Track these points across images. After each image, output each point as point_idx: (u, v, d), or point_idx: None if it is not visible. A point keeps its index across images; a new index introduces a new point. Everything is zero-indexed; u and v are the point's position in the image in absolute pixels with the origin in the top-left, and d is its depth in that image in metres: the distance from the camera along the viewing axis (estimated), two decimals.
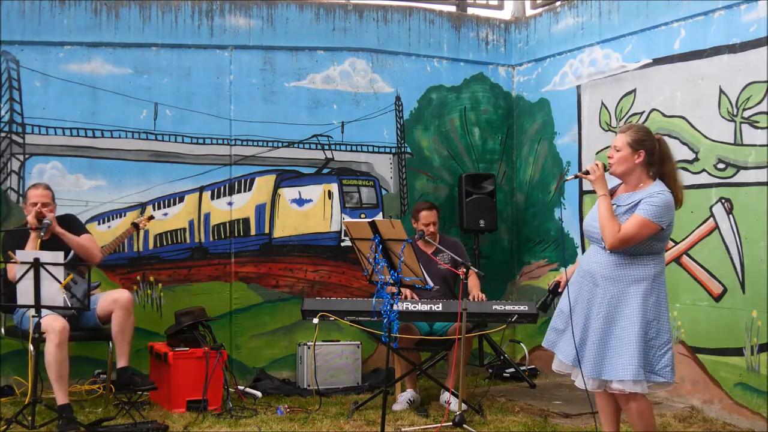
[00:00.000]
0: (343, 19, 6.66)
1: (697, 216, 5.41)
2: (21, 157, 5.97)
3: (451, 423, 4.81)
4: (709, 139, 5.38)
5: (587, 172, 3.93)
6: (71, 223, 5.42)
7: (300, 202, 6.55)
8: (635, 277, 3.81)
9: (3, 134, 5.94)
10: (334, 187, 6.64)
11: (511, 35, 7.27)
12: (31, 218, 5.17)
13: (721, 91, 5.29)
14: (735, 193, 5.20)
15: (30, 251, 4.83)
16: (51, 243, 5.10)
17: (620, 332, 3.79)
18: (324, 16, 6.62)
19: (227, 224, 6.38)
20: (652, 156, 3.90)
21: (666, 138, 5.56)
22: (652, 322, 3.79)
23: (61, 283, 4.55)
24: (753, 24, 5.12)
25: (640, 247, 3.82)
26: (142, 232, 6.10)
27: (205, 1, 6.34)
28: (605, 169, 3.95)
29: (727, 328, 5.20)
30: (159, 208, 6.24)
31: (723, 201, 5.27)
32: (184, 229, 6.31)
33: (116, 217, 6.15)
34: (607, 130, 6.22)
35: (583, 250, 6.42)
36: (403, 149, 6.83)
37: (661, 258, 3.91)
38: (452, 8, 7.24)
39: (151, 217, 5.97)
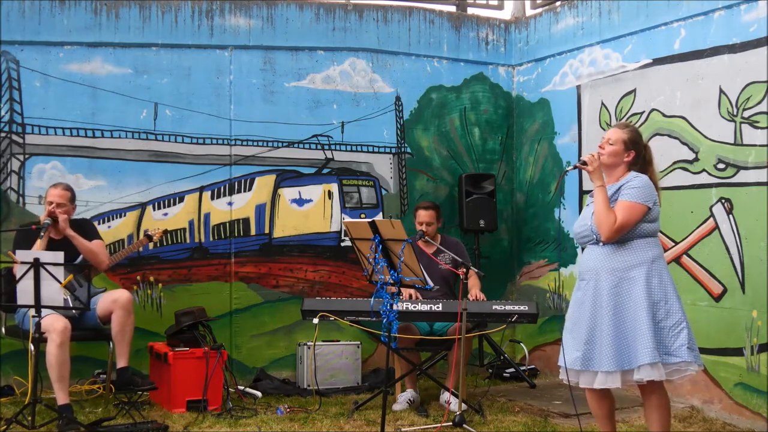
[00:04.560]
0: (343, 19, 6.66)
1: (697, 216, 5.41)
2: (21, 157, 5.96)
3: (451, 423, 4.82)
4: (709, 139, 5.38)
5: (585, 163, 4.00)
6: (85, 228, 5.42)
7: (300, 202, 6.55)
8: (633, 261, 3.85)
9: (3, 134, 5.93)
10: (334, 187, 6.64)
11: (511, 35, 7.27)
12: (43, 217, 5.19)
13: (721, 91, 5.29)
14: (735, 193, 5.20)
15: (31, 251, 4.83)
16: (63, 244, 5.11)
17: (630, 318, 3.80)
18: (324, 16, 6.62)
19: (227, 224, 6.38)
20: (638, 158, 4.03)
21: (666, 138, 5.64)
22: (659, 303, 3.80)
23: (61, 283, 4.55)
24: (753, 24, 5.12)
25: (631, 233, 3.87)
26: (142, 232, 6.09)
27: (205, 1, 6.34)
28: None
29: (727, 328, 5.20)
30: (159, 208, 6.24)
31: (723, 201, 5.27)
32: (184, 229, 6.31)
33: (116, 217, 6.15)
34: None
35: (583, 251, 6.42)
36: (403, 149, 6.83)
37: (656, 241, 3.94)
38: (452, 8, 7.24)
39: (166, 231, 5.96)
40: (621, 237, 3.86)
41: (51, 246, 5.05)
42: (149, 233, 5.86)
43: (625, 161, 3.99)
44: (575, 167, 4.13)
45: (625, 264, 3.85)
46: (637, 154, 4.00)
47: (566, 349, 3.95)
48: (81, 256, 5.28)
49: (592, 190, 4.05)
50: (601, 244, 3.92)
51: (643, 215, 3.86)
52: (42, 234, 5.08)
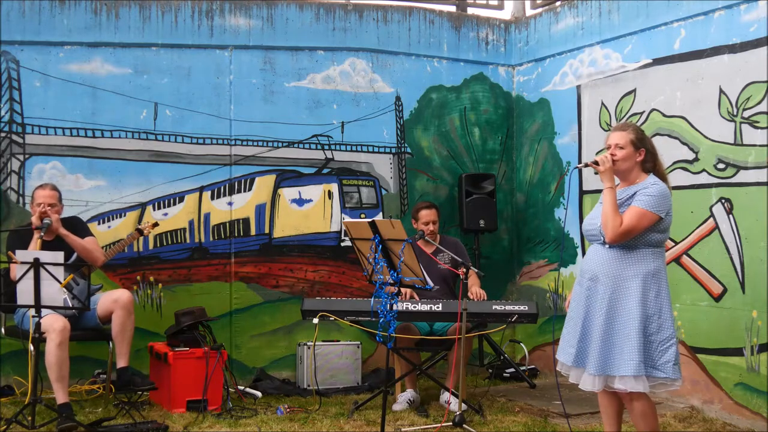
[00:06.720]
0: (343, 19, 6.66)
1: (697, 216, 5.41)
2: (21, 157, 5.97)
3: (451, 423, 4.81)
4: (709, 139, 5.38)
5: (597, 163, 3.97)
6: (76, 226, 5.43)
7: (300, 202, 6.55)
8: (634, 272, 3.83)
9: (3, 134, 5.94)
10: (334, 187, 6.64)
11: (511, 35, 7.27)
12: (35, 219, 5.19)
13: (721, 91, 5.29)
14: (735, 193, 5.20)
15: (30, 251, 4.83)
16: (55, 244, 5.12)
17: (621, 327, 3.79)
18: (324, 16, 6.62)
19: (227, 224, 6.38)
20: (648, 155, 4.00)
21: (666, 138, 5.64)
22: (653, 317, 3.79)
23: (61, 283, 4.55)
24: (753, 24, 5.12)
25: (638, 240, 3.85)
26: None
27: (205, 1, 6.34)
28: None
29: (727, 328, 5.20)
30: (159, 208, 6.24)
31: (723, 201, 5.27)
32: (184, 229, 6.31)
33: (116, 217, 6.15)
34: (607, 130, 6.21)
35: (583, 251, 6.42)
36: (403, 149, 6.83)
37: (660, 252, 3.93)
38: (452, 8, 7.24)
39: (156, 224, 5.94)
40: (627, 242, 3.83)
41: (43, 247, 5.04)
42: (140, 227, 5.87)
43: (638, 161, 3.96)
44: (587, 165, 4.09)
45: (624, 273, 3.83)
46: (647, 152, 3.98)
47: (562, 342, 3.98)
48: (75, 255, 5.27)
49: (594, 190, 4.05)
50: (606, 246, 3.91)
51: (652, 224, 3.83)
52: (42, 233, 5.08)
